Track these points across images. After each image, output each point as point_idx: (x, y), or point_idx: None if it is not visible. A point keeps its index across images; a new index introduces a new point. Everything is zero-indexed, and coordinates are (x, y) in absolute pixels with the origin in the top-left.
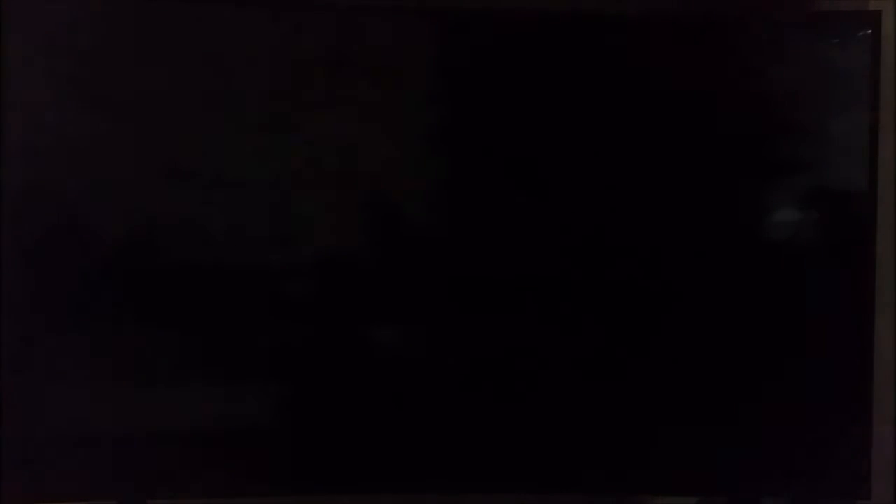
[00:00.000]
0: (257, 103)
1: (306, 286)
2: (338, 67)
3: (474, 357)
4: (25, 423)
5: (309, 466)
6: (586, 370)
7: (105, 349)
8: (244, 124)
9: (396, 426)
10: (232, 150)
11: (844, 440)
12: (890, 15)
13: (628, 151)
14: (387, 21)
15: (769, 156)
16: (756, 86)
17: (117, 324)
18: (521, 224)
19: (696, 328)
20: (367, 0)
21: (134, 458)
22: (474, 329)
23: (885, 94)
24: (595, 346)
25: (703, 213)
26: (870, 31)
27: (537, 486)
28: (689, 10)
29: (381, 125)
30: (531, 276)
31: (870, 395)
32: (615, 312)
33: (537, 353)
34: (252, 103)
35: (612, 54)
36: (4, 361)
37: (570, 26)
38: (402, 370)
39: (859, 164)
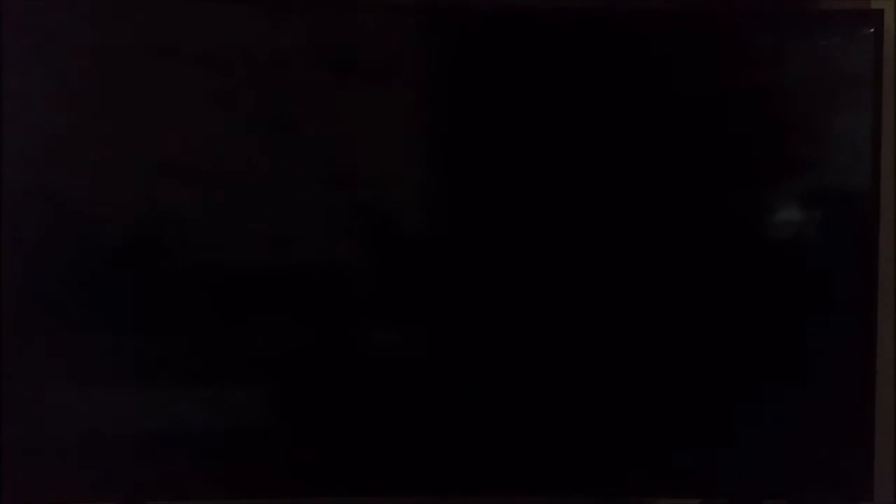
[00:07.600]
0: (257, 102)
1: (304, 287)
2: (337, 66)
3: (474, 360)
4: (26, 423)
5: (308, 469)
6: (587, 372)
7: (105, 350)
8: (244, 124)
9: (394, 429)
10: (231, 150)
11: (846, 441)
12: (892, 14)
13: (629, 152)
14: (387, 20)
15: (771, 155)
16: (758, 85)
17: (117, 324)
18: (521, 225)
19: (697, 329)
20: None
21: (134, 458)
22: (473, 332)
23: (888, 93)
24: (596, 348)
25: (702, 213)
26: (872, 30)
27: (538, 489)
28: (691, 8)
29: (380, 125)
30: (531, 279)
31: (872, 395)
32: (616, 314)
33: (537, 355)
34: (252, 102)
35: (614, 54)
36: (4, 362)
37: (570, 25)
38: (401, 373)
39: (861, 163)
